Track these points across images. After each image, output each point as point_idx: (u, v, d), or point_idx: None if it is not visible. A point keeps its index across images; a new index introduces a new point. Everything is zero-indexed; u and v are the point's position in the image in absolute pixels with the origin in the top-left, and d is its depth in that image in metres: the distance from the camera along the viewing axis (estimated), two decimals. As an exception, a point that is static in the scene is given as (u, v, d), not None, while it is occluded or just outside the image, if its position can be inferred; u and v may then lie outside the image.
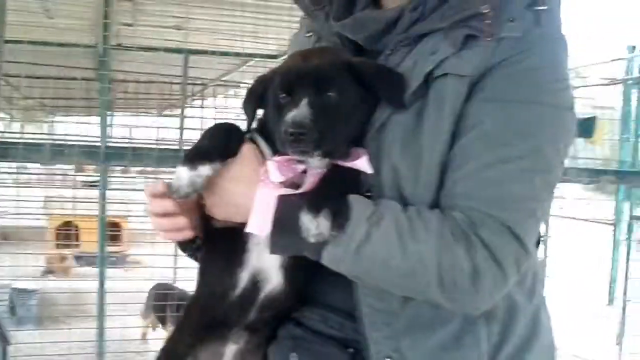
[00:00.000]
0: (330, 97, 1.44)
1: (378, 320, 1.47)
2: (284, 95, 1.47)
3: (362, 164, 1.44)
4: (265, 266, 1.53)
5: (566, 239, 5.86)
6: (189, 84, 7.92)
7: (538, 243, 1.64)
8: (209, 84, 8.28)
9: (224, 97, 9.32)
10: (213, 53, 5.37)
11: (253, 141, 1.54)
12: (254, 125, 1.60)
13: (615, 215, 6.52)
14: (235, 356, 1.66)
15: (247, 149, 1.50)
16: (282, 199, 1.41)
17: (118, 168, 9.93)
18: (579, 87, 6.50)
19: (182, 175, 1.42)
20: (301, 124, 1.39)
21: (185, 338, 1.70)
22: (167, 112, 10.76)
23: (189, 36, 5.73)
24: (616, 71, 6.38)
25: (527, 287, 1.57)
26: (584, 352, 6.19)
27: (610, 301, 6.31)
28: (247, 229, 1.42)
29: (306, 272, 1.50)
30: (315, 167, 1.46)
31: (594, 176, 5.44)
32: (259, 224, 1.41)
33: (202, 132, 1.55)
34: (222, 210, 1.53)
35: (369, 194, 1.44)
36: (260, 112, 1.62)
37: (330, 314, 1.57)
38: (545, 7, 1.45)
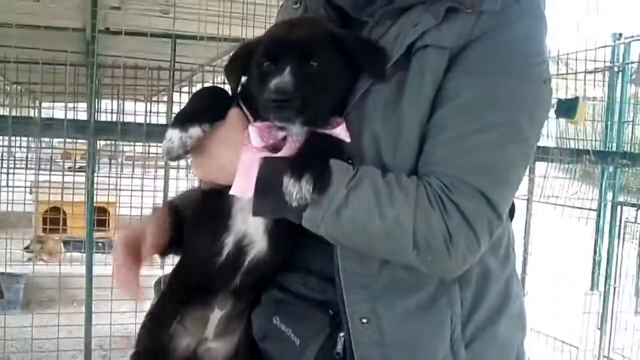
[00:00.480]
0: (313, 66, 1.49)
1: (355, 283, 1.51)
2: (267, 62, 1.52)
3: (340, 132, 1.49)
4: (250, 231, 1.58)
5: (548, 222, 5.90)
6: (177, 70, 7.90)
7: (512, 213, 1.70)
8: (198, 70, 8.27)
9: (213, 83, 9.31)
10: (201, 38, 5.36)
11: (240, 107, 1.58)
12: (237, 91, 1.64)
13: (598, 200, 6.56)
14: (221, 321, 1.70)
15: (234, 113, 1.55)
16: (265, 161, 1.46)
17: (106, 154, 9.94)
18: (565, 74, 6.53)
19: (173, 137, 1.48)
20: (284, 91, 1.43)
21: (171, 304, 1.73)
22: (155, 98, 10.73)
23: (177, 21, 5.71)
24: (601, 58, 6.40)
25: (501, 255, 1.64)
26: (565, 336, 6.27)
27: (593, 286, 6.37)
28: (231, 191, 1.47)
29: (289, 236, 1.55)
30: (295, 134, 1.50)
31: (575, 156, 5.48)
32: (243, 186, 1.46)
33: (191, 95, 1.60)
34: (208, 172, 1.58)
35: (350, 161, 1.48)
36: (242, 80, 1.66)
37: (312, 278, 1.62)
38: None
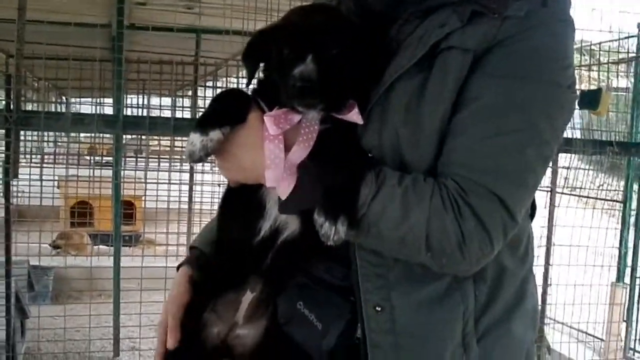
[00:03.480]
0: (334, 54, 1.52)
1: (371, 272, 1.56)
2: (288, 50, 1.55)
3: (353, 115, 1.53)
4: (284, 217, 1.63)
5: (573, 214, 5.86)
6: (201, 64, 7.96)
7: (533, 214, 1.72)
8: (222, 64, 8.31)
9: (237, 77, 9.34)
10: (226, 33, 5.39)
11: (258, 105, 1.62)
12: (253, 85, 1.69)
13: (624, 192, 6.50)
14: (251, 304, 1.74)
15: (253, 117, 1.59)
16: (300, 171, 1.50)
17: (131, 148, 10.02)
18: (590, 65, 6.48)
19: (195, 140, 1.53)
20: (308, 78, 1.48)
21: (204, 292, 1.78)
22: (180, 93, 10.80)
23: (202, 16, 5.75)
24: (627, 49, 6.33)
25: (519, 254, 1.67)
26: (590, 329, 6.23)
27: (619, 278, 6.32)
28: (267, 184, 1.52)
29: None
30: (311, 118, 1.54)
31: (598, 147, 5.43)
32: (274, 176, 1.50)
33: (212, 99, 1.65)
34: (232, 174, 1.65)
35: (370, 155, 1.53)
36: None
37: (335, 265, 1.67)
38: None
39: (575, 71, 1.62)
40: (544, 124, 1.47)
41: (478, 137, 1.46)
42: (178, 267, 1.89)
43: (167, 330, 1.78)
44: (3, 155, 4.42)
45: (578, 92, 5.23)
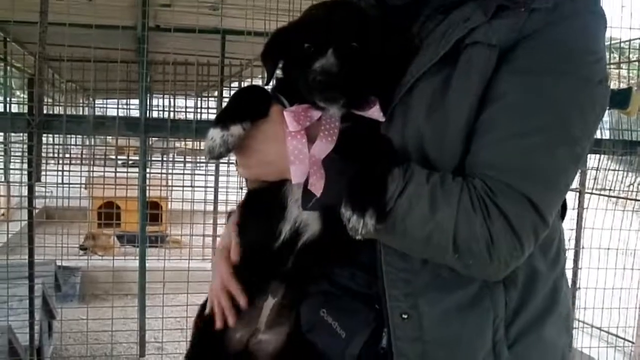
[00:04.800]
0: (354, 48, 1.50)
1: (398, 278, 1.52)
2: (308, 45, 1.53)
3: (374, 112, 1.50)
4: (305, 217, 1.60)
5: (602, 215, 5.76)
6: (226, 65, 7.97)
7: (563, 214, 1.67)
8: (247, 65, 8.31)
9: (262, 77, 9.34)
10: (249, 34, 5.39)
11: (278, 101, 1.60)
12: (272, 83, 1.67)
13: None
14: (273, 310, 1.73)
15: (275, 111, 1.55)
16: (325, 165, 1.47)
17: (158, 150, 10.08)
18: (619, 62, 6.37)
19: (215, 135, 1.50)
20: (330, 72, 1.46)
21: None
22: (205, 94, 10.84)
23: (225, 17, 5.76)
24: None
25: (551, 257, 1.61)
26: (619, 331, 6.13)
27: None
28: (293, 181, 1.49)
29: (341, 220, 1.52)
30: (331, 114, 1.51)
31: (628, 148, 5.35)
32: (299, 172, 1.48)
33: (232, 94, 1.63)
34: (254, 171, 1.60)
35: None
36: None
37: (359, 272, 1.63)
38: None
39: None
40: (574, 121, 1.42)
41: (505, 135, 1.41)
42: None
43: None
44: (27, 158, 4.46)
45: (609, 89, 5.14)
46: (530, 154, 1.40)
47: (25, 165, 4.65)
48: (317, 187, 1.46)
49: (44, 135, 4.88)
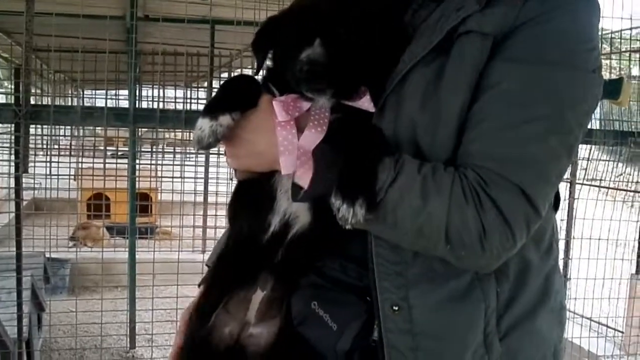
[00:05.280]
0: (342, 37, 1.48)
1: (388, 270, 1.50)
2: (296, 34, 1.51)
3: (364, 102, 1.48)
4: (294, 208, 1.58)
5: (592, 205, 5.78)
6: (216, 55, 7.94)
7: (557, 206, 1.65)
8: (236, 56, 8.29)
9: (252, 68, 9.31)
10: (239, 23, 5.36)
11: (268, 90, 1.58)
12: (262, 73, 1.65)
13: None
14: (262, 303, 1.71)
15: (265, 101, 1.54)
16: (315, 156, 1.44)
17: (147, 140, 10.04)
18: (610, 53, 6.37)
19: (204, 125, 1.48)
20: (316, 62, 1.44)
21: (215, 290, 1.75)
22: (194, 84, 10.81)
23: (215, 7, 5.73)
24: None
25: (544, 249, 1.60)
26: (610, 321, 6.17)
27: (638, 270, 6.24)
28: (282, 172, 1.47)
29: (331, 212, 1.49)
30: (320, 105, 1.49)
31: (619, 138, 5.36)
32: (289, 163, 1.46)
33: (221, 84, 1.61)
34: (243, 162, 1.59)
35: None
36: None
37: (350, 264, 1.62)
38: None
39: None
40: (567, 111, 1.41)
41: (498, 125, 1.39)
42: (199, 285, 1.86)
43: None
44: (13, 150, 4.42)
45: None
46: (523, 144, 1.39)
47: (12, 157, 4.61)
48: (305, 179, 1.44)
49: (32, 126, 4.84)
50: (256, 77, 1.66)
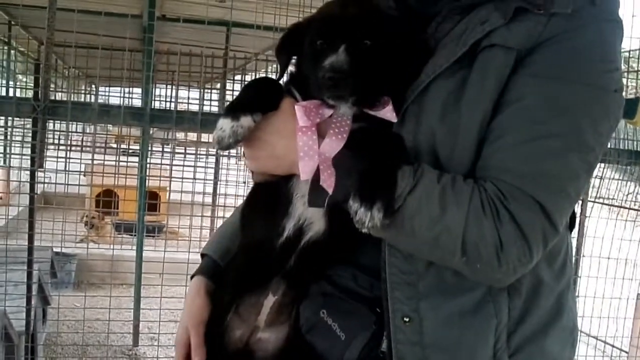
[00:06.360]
0: (367, 45, 1.49)
1: (401, 281, 1.50)
2: (321, 41, 1.52)
3: (387, 112, 1.48)
4: (309, 214, 1.58)
5: (602, 224, 5.76)
6: (231, 58, 7.95)
7: (572, 224, 1.64)
8: (252, 58, 8.30)
9: (266, 72, 9.33)
10: (257, 27, 5.36)
11: (291, 94, 1.58)
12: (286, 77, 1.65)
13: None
14: (273, 308, 1.71)
15: (287, 103, 1.54)
16: (335, 163, 1.44)
17: (158, 140, 10.06)
18: (626, 72, 6.35)
19: (225, 126, 1.48)
20: (340, 69, 1.44)
21: (227, 294, 1.74)
22: (208, 85, 10.83)
23: (233, 9, 5.74)
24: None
25: (557, 268, 1.59)
26: (615, 340, 6.14)
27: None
28: (302, 177, 1.47)
29: (346, 219, 1.48)
30: (342, 113, 1.49)
31: (633, 158, 5.34)
32: (308, 168, 1.45)
33: (244, 85, 1.61)
34: (262, 164, 1.59)
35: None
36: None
37: (362, 274, 1.62)
38: None
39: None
40: (588, 129, 1.40)
41: (519, 140, 1.39)
42: (192, 277, 1.86)
43: (191, 349, 1.76)
44: (29, 144, 4.43)
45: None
46: (543, 159, 1.38)
47: (25, 150, 4.63)
48: (329, 184, 1.44)
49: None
50: (279, 81, 1.66)
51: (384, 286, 1.52)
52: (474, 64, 1.44)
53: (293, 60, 1.69)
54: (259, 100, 1.54)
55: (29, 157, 4.60)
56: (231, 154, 8.18)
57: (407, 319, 1.49)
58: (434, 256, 1.45)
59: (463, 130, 1.43)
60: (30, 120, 4.17)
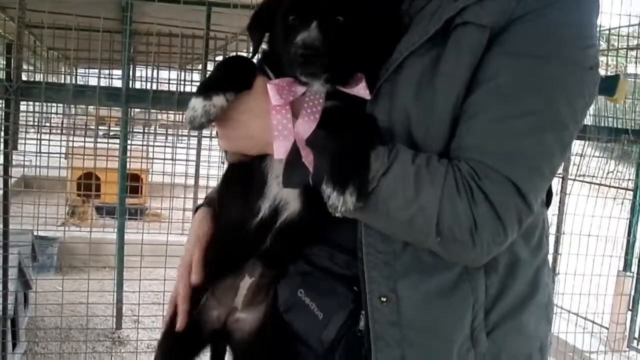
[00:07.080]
0: (340, 21, 1.47)
1: (377, 260, 1.49)
2: (293, 17, 1.50)
3: (360, 89, 1.46)
4: (284, 194, 1.56)
5: (583, 201, 5.80)
6: (211, 38, 7.89)
7: (549, 201, 1.64)
8: (232, 39, 8.25)
9: (247, 52, 9.28)
10: (235, 6, 5.32)
11: (264, 72, 1.56)
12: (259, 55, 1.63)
13: (635, 179, 6.42)
14: (250, 290, 1.71)
15: (260, 82, 1.52)
16: (309, 144, 1.42)
17: (139, 121, 9.99)
18: (606, 50, 6.37)
19: (197, 105, 1.46)
20: (312, 46, 1.42)
21: (204, 274, 1.74)
22: (189, 66, 10.74)
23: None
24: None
25: (534, 244, 1.59)
26: (596, 317, 6.20)
27: (626, 267, 6.27)
28: (276, 157, 1.45)
29: (321, 199, 1.45)
30: (315, 91, 1.48)
31: (613, 135, 5.36)
32: (282, 148, 1.43)
33: (216, 64, 1.59)
34: (235, 144, 1.57)
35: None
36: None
37: (338, 253, 1.61)
38: None
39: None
40: (563, 107, 1.39)
41: (493, 119, 1.37)
42: (195, 211, 1.85)
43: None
44: (3, 126, 4.37)
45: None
46: (517, 139, 1.37)
47: (1, 133, 4.56)
48: (309, 161, 1.42)
49: (24, 102, 4.79)
50: (252, 59, 1.64)
51: (360, 266, 1.52)
52: (447, 41, 1.42)
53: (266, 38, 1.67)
54: (232, 79, 1.51)
55: (2, 140, 4.53)
56: (213, 135, 8.14)
57: (384, 299, 1.49)
58: (409, 237, 1.44)
59: (437, 108, 1.41)
60: (3, 101, 4.10)
